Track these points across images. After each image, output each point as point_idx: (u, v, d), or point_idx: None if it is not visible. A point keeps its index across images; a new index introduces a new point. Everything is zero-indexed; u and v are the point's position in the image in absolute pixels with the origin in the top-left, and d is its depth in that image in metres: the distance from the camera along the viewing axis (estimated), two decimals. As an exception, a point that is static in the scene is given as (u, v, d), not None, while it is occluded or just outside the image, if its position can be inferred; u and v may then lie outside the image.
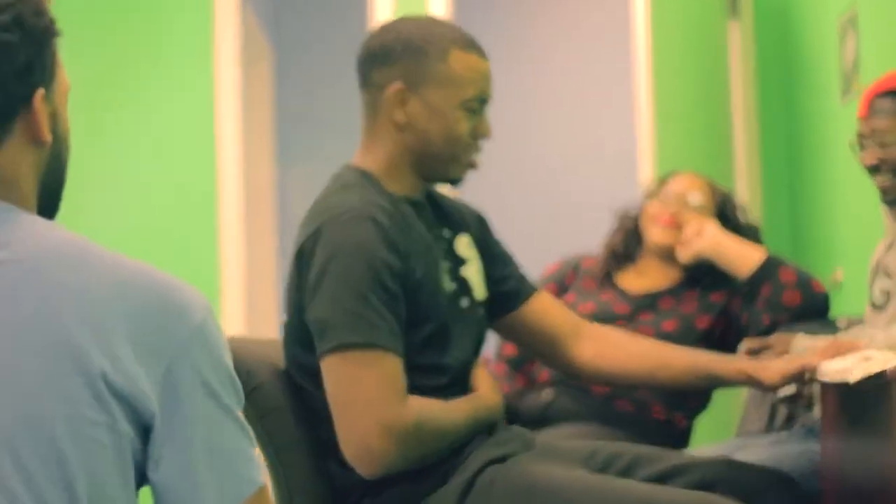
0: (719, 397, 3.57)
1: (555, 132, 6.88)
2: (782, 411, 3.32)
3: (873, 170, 2.91)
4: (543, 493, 2.27)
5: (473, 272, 2.49)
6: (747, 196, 4.93)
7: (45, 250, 1.38)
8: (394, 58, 2.38)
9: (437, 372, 2.36)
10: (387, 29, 2.43)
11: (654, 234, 3.50)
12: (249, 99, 5.42)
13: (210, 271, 5.16)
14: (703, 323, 3.41)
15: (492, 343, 3.56)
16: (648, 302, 3.42)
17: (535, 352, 2.69)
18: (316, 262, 2.26)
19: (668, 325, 3.41)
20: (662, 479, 2.40)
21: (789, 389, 2.65)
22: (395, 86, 2.37)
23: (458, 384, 2.41)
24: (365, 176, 2.39)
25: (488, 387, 2.45)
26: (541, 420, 3.38)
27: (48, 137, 1.45)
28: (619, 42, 5.78)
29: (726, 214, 3.53)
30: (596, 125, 6.77)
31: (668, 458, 2.46)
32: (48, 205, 1.50)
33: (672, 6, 4.71)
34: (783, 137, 5.01)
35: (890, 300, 2.92)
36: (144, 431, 1.37)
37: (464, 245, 2.49)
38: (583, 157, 6.78)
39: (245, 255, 5.30)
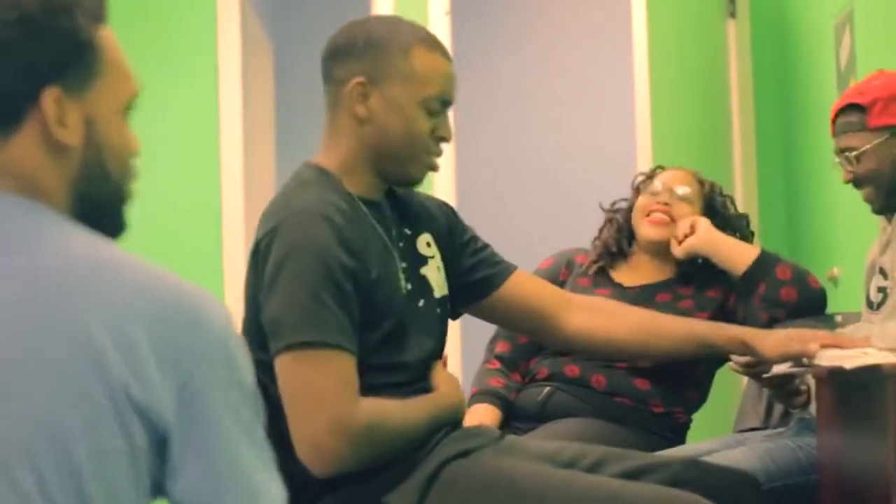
0: (717, 393, 3.60)
1: (554, 130, 6.90)
2: (779, 408, 3.35)
3: (853, 185, 2.95)
4: (508, 487, 2.26)
5: (433, 270, 2.47)
6: (744, 194, 4.95)
7: (67, 257, 1.37)
8: (356, 52, 2.38)
9: (395, 370, 2.35)
10: (352, 25, 2.44)
11: (646, 231, 3.51)
12: (250, 95, 5.43)
13: (213, 268, 5.17)
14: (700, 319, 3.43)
15: (482, 339, 3.59)
16: (645, 296, 3.43)
17: (523, 329, 2.69)
18: (271, 261, 2.26)
19: None
20: (629, 477, 2.38)
21: (783, 368, 2.66)
22: (357, 80, 2.36)
23: (417, 382, 2.40)
24: (323, 174, 2.39)
25: (449, 385, 2.44)
26: (539, 416, 3.40)
27: (68, 140, 1.42)
28: (617, 41, 5.81)
29: (714, 205, 3.53)
30: (594, 123, 6.79)
31: (636, 457, 2.45)
32: (94, 217, 1.47)
33: (670, 5, 4.74)
34: (780, 136, 5.03)
35: (887, 298, 2.95)
36: (160, 444, 1.36)
37: (424, 243, 2.48)
38: (581, 155, 6.80)
39: (246, 251, 5.32)
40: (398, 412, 2.30)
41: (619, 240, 3.58)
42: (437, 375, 2.44)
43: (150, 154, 5.29)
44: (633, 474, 2.39)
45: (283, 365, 2.23)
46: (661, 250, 3.51)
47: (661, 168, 3.65)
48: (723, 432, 3.53)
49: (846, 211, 4.16)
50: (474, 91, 6.69)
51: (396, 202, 2.49)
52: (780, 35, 4.98)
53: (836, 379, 2.55)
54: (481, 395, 3.45)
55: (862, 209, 3.81)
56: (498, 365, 3.53)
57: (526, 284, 2.60)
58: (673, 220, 3.49)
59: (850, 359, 2.34)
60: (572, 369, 3.40)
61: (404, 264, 2.41)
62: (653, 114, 4.61)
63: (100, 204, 1.48)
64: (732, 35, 4.96)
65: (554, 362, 3.44)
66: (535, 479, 2.29)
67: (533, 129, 6.89)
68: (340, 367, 2.22)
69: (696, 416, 3.49)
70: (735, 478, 2.52)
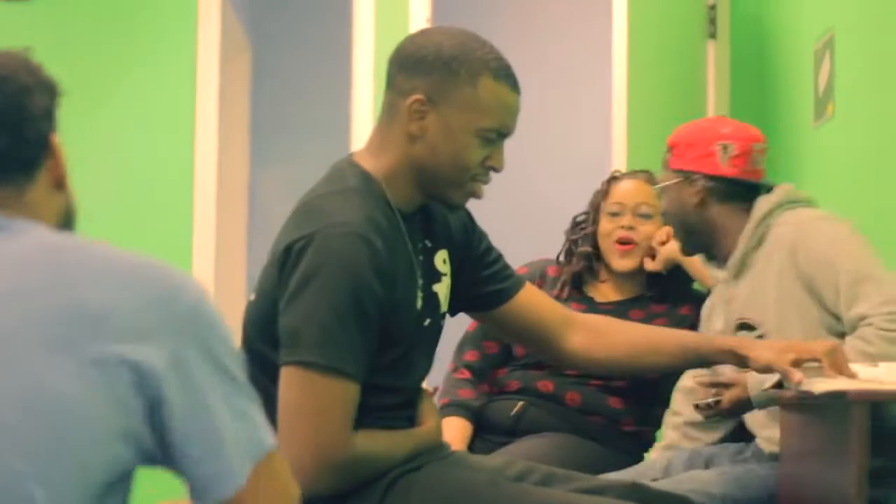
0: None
1: (531, 142, 6.84)
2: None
3: None
4: (464, 497, 2.27)
5: (443, 288, 2.45)
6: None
7: (52, 243, 1.48)
8: (424, 68, 2.31)
9: (391, 392, 2.33)
10: (426, 35, 2.38)
11: (618, 263, 3.54)
12: (226, 95, 5.42)
13: (183, 262, 5.15)
14: None
15: (450, 342, 3.57)
16: (619, 312, 3.44)
17: (524, 342, 2.68)
18: (302, 268, 2.20)
19: None
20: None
21: (771, 381, 2.66)
22: (417, 97, 2.30)
23: (406, 407, 2.39)
24: (368, 180, 2.33)
25: (433, 423, 2.43)
26: (511, 430, 3.39)
27: (67, 184, 1.57)
28: (597, 56, 5.80)
29: None
30: (571, 136, 6.79)
31: (581, 479, 2.44)
32: None
33: (652, 22, 4.74)
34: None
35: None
36: (152, 410, 1.42)
37: (441, 260, 2.45)
38: (557, 168, 6.81)
39: (215, 250, 5.29)
40: (384, 449, 2.29)
41: (588, 266, 3.58)
42: (424, 408, 2.42)
43: (124, 148, 5.30)
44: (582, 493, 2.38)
45: (291, 377, 2.19)
46: (602, 250, 3.57)
47: (616, 178, 3.65)
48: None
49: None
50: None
51: (424, 212, 2.44)
52: (760, 57, 4.99)
53: (802, 403, 2.54)
54: (452, 408, 3.45)
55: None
56: (467, 374, 3.52)
57: (532, 300, 2.58)
58: (638, 243, 3.51)
59: (819, 383, 2.33)
60: (546, 384, 3.39)
61: (421, 281, 2.37)
62: (629, 128, 4.62)
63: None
64: (712, 56, 4.97)
65: (525, 375, 3.43)
66: (491, 490, 2.28)
67: (509, 140, 6.87)
68: (345, 397, 2.19)
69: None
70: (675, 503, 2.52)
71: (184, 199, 5.26)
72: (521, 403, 3.40)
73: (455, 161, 2.32)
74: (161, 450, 1.44)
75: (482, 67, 2.32)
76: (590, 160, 6.43)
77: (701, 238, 3.14)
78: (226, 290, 5.41)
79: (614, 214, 3.55)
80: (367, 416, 2.26)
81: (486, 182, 2.39)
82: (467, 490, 2.28)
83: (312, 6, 6.85)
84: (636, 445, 3.42)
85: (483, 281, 2.54)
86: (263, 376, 2.21)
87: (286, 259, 2.24)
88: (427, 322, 2.40)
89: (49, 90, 1.56)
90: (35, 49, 1.59)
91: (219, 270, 5.29)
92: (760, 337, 2.95)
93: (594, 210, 3.62)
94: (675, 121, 4.87)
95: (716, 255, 3.15)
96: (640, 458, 3.37)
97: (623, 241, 3.53)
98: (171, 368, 1.41)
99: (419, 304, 2.36)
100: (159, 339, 1.42)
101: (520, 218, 6.81)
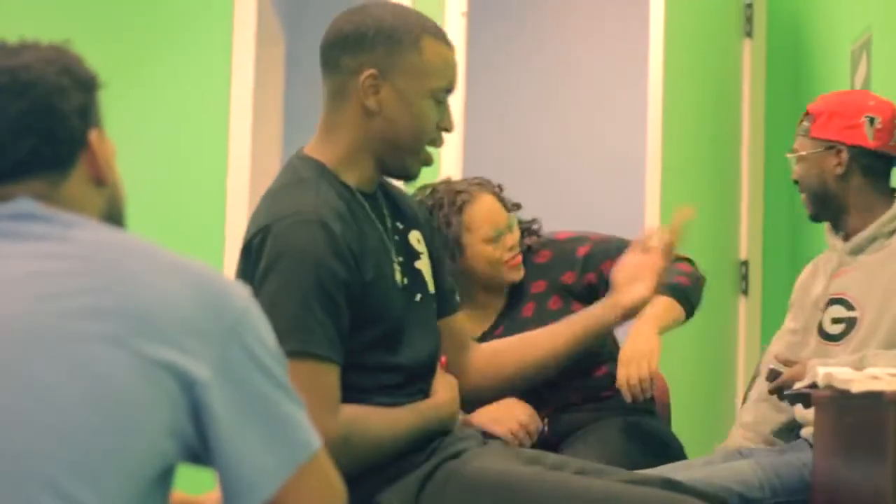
0: (709, 407, 3.59)
1: (565, 137, 6.88)
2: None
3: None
4: (503, 486, 2.26)
5: (425, 266, 2.46)
6: (749, 209, 4.95)
7: (116, 244, 1.48)
8: (367, 43, 2.33)
9: (388, 371, 2.33)
10: (358, 13, 2.38)
11: (515, 275, 3.37)
12: (260, 86, 5.43)
13: (214, 258, 5.17)
14: (557, 304, 3.37)
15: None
16: (537, 314, 3.37)
17: (447, 357, 2.65)
18: (262, 262, 2.24)
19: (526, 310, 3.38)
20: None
21: (804, 382, 2.68)
22: (369, 72, 2.32)
23: (414, 383, 2.38)
24: (320, 168, 2.35)
25: (446, 395, 2.42)
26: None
27: (109, 179, 1.57)
28: (633, 50, 5.81)
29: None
30: (606, 131, 6.78)
31: (614, 472, 2.44)
32: None
33: (689, 19, 4.74)
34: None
35: (852, 329, 2.97)
36: (196, 412, 1.43)
37: (415, 239, 2.46)
38: (592, 163, 6.79)
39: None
40: (377, 425, 2.28)
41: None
42: (438, 382, 2.43)
43: (158, 139, 5.32)
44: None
45: None
46: (489, 277, 3.38)
47: (464, 200, 3.34)
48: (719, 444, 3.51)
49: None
50: (488, 92, 6.69)
51: (388, 196, 2.46)
52: (796, 56, 4.99)
53: (837, 402, 2.55)
54: None
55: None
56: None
57: (459, 328, 2.58)
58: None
59: (857, 382, 2.34)
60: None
61: (400, 258, 2.39)
62: (664, 125, 4.61)
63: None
64: (748, 54, 4.97)
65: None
66: (531, 479, 2.28)
67: (544, 133, 6.88)
68: (321, 379, 2.20)
69: (691, 431, 3.48)
70: (708, 499, 2.52)
71: (217, 191, 5.28)
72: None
73: (415, 128, 2.35)
74: (203, 449, 1.45)
75: (421, 31, 2.36)
76: (624, 155, 6.43)
77: (834, 209, 3.13)
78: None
79: (492, 241, 3.35)
80: (370, 396, 2.28)
81: (439, 145, 2.40)
82: (511, 483, 2.27)
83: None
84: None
85: (438, 285, 2.52)
86: None
87: (248, 255, 2.28)
88: (419, 297, 2.41)
89: (85, 86, 1.56)
90: (73, 40, 1.60)
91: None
92: (852, 319, 2.97)
93: (454, 238, 3.33)
94: (710, 119, 4.89)
95: (841, 227, 3.14)
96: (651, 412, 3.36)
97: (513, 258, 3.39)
98: (216, 372, 1.43)
99: (401, 279, 2.36)
100: (207, 342, 1.43)
101: (553, 218, 6.80)
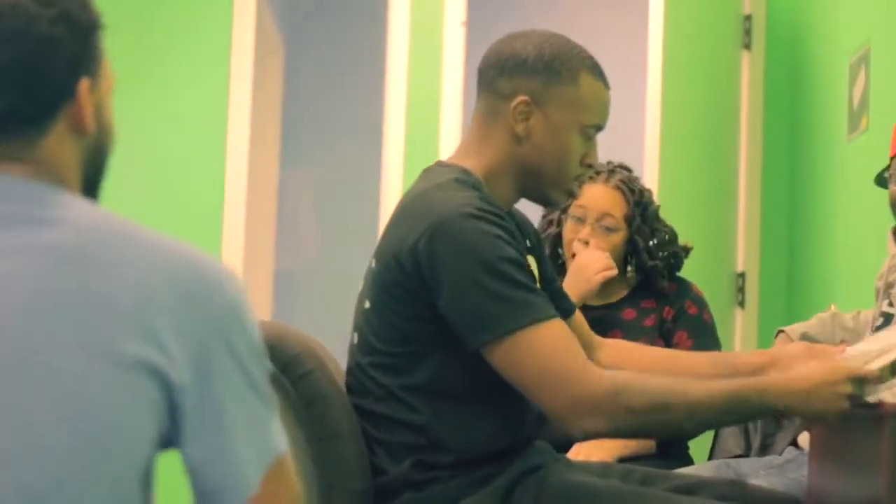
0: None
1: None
2: (757, 437, 3.33)
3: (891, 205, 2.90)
4: (586, 500, 2.28)
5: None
6: (746, 221, 4.95)
7: (90, 230, 1.40)
8: (525, 70, 2.36)
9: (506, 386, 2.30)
10: (520, 38, 2.42)
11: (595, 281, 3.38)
12: (259, 94, 5.44)
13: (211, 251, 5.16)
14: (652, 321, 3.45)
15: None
16: (611, 313, 3.44)
17: None
18: (444, 259, 2.21)
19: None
20: (681, 493, 2.39)
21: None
22: (522, 98, 2.35)
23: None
24: (468, 174, 2.35)
25: (784, 378, 2.27)
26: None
27: (92, 128, 1.48)
28: (632, 66, 5.81)
29: (639, 225, 3.45)
30: (604, 141, 6.77)
31: (677, 476, 2.46)
32: (87, 194, 1.51)
33: (687, 31, 4.74)
34: (786, 168, 5.03)
35: (888, 323, 2.95)
36: (172, 403, 1.39)
37: (532, 263, 2.45)
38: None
39: (244, 249, 5.31)
40: (668, 386, 2.19)
41: (557, 266, 3.48)
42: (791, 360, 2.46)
43: (155, 146, 5.32)
44: (685, 491, 2.40)
45: (504, 352, 2.18)
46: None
47: (589, 180, 3.42)
48: (699, 458, 3.51)
49: (848, 248, 4.16)
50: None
51: (513, 216, 2.47)
52: (794, 69, 4.99)
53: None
54: None
55: (865, 247, 3.81)
56: None
57: (577, 323, 2.61)
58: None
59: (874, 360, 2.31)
60: None
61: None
62: (662, 137, 4.62)
63: (95, 181, 1.54)
64: (746, 66, 4.97)
65: None
66: (611, 496, 2.29)
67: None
68: (562, 335, 2.20)
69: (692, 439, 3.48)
70: (779, 501, 2.52)
71: (214, 198, 5.28)
72: None
73: (559, 159, 2.37)
74: (179, 441, 1.41)
75: (581, 66, 2.39)
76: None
77: None
78: (253, 289, 5.43)
79: (577, 220, 3.41)
80: (478, 409, 2.30)
81: (583, 181, 2.42)
82: (589, 493, 2.29)
83: (346, 6, 6.86)
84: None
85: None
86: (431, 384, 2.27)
87: (416, 259, 2.24)
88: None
89: (82, 33, 1.45)
90: None
91: (247, 268, 5.31)
92: None
93: (560, 210, 3.45)
94: (708, 131, 4.90)
95: None
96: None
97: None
98: (192, 369, 1.38)
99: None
100: (187, 336, 1.38)
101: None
